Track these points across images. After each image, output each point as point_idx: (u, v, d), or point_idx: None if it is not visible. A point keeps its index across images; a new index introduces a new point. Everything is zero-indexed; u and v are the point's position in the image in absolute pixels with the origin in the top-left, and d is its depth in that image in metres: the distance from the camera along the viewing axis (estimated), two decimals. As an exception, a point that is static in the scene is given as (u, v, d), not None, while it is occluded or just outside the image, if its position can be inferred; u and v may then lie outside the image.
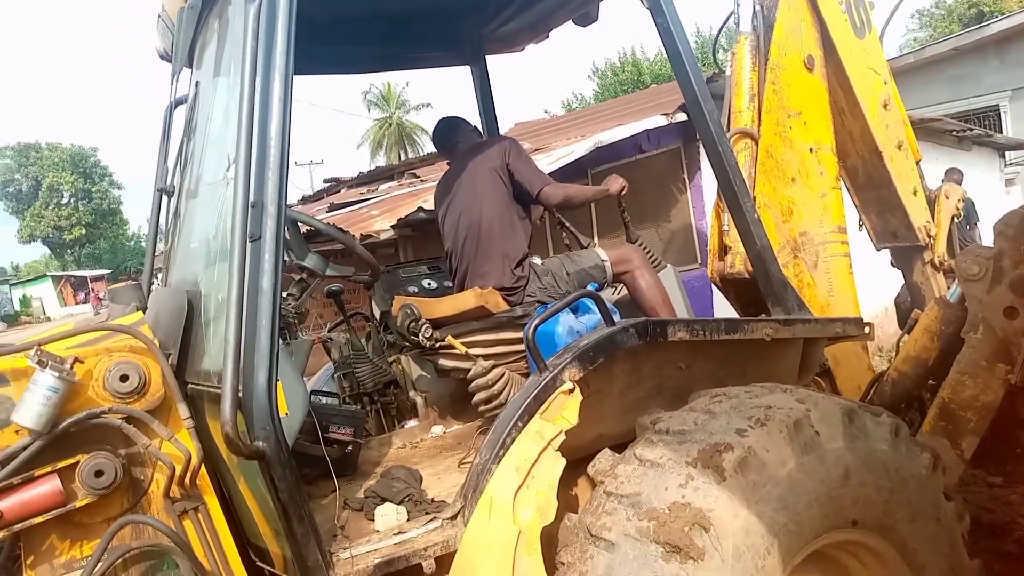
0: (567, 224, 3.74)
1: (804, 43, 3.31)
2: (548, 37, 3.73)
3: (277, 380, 1.89)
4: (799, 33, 3.30)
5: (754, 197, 2.98)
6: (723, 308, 7.09)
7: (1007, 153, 12.35)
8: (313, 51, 2.10)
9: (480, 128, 3.57)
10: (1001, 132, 13.06)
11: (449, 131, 3.59)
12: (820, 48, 3.38)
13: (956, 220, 8.54)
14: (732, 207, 2.83)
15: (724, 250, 3.18)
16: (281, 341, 2.15)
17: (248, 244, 1.86)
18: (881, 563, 2.42)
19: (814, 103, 3.35)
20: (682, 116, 6.65)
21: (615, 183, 3.42)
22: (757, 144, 3.16)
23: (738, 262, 3.07)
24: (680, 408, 2.44)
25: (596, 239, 3.64)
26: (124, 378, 2.11)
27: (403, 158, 32.73)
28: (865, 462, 2.26)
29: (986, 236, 8.07)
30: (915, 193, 3.93)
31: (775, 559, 2.07)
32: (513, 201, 3.23)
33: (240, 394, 1.80)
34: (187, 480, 2.14)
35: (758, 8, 3.28)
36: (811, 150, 3.32)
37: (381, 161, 39.06)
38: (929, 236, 3.96)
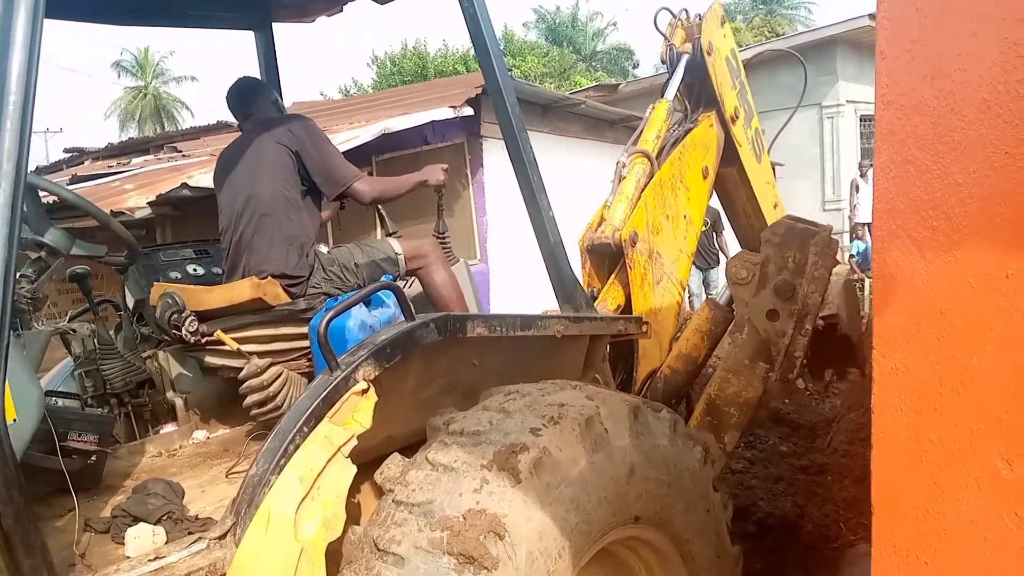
0: (379, 207, 3.50)
1: (708, 156, 3.80)
2: (342, 11, 3.47)
3: (5, 380, 1.55)
4: (706, 148, 3.80)
5: (637, 198, 3.33)
6: (497, 304, 7.20)
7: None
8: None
9: (280, 102, 3.21)
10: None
11: (246, 94, 3.16)
12: (715, 167, 3.90)
13: (704, 228, 9.59)
14: (528, 202, 2.80)
15: (600, 221, 3.38)
16: (11, 333, 1.77)
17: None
18: (656, 554, 2.50)
19: (698, 197, 3.78)
20: (468, 110, 6.63)
21: (435, 174, 3.18)
22: (652, 165, 3.46)
23: (608, 231, 3.27)
24: (473, 407, 2.36)
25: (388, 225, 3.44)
26: None
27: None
28: (648, 458, 2.30)
29: (731, 244, 8.98)
30: None
31: (566, 562, 2.04)
32: (301, 183, 2.91)
33: None
34: None
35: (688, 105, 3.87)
36: (685, 217, 3.65)
37: (132, 135, 35.61)
38: None
